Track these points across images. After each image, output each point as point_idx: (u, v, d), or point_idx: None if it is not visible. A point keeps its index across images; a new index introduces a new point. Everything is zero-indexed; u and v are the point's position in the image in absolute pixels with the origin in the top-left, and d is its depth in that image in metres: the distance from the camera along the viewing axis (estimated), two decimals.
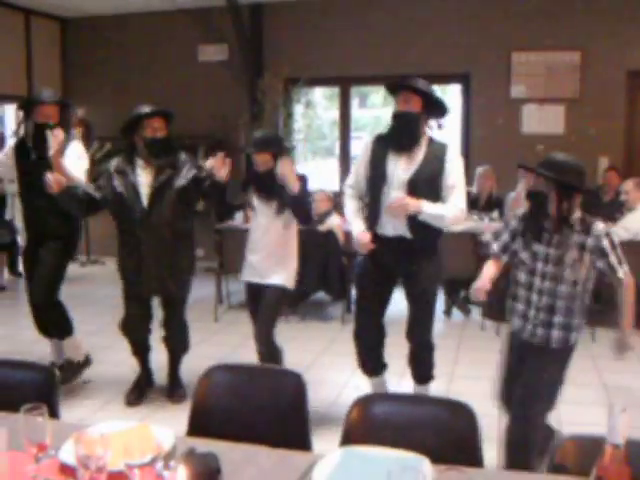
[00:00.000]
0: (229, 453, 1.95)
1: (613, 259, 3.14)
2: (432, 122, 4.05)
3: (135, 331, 4.65)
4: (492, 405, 3.57)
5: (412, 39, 8.48)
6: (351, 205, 4.15)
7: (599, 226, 3.18)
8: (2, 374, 2.54)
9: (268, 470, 1.93)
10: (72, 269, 8.99)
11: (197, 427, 2.37)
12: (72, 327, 4.97)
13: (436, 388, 4.46)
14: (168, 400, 4.70)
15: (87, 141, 9.40)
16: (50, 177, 4.19)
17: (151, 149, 4.36)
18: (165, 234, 4.39)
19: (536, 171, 3.21)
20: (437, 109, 4.02)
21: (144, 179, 4.39)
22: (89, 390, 4.92)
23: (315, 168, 11.02)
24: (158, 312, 4.71)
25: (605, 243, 3.14)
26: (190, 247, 4.65)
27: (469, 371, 5.31)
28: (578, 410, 4.50)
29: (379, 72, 8.52)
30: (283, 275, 4.32)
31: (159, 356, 4.80)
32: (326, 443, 2.37)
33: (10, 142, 4.91)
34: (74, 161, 4.62)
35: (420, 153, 3.95)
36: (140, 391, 4.76)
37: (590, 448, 1.65)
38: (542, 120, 8.32)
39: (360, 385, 4.60)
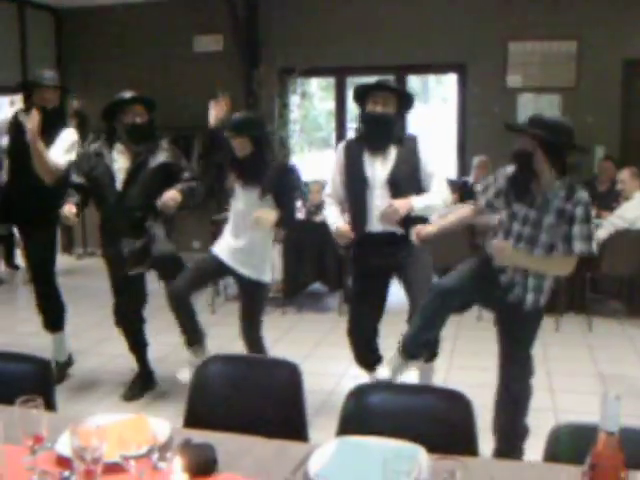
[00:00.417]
0: (225, 444, 1.95)
1: (576, 230, 3.08)
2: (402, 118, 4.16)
3: (123, 320, 4.63)
4: (491, 396, 3.59)
5: (408, 29, 8.46)
6: (331, 209, 4.16)
7: (582, 194, 3.12)
8: None
9: (264, 460, 1.93)
10: (69, 262, 9.03)
11: (194, 418, 2.37)
12: (64, 321, 4.99)
13: (434, 378, 4.46)
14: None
15: (82, 132, 9.38)
16: None
17: (130, 134, 4.34)
18: (138, 217, 4.32)
19: (523, 129, 3.19)
20: (407, 104, 4.05)
21: (121, 164, 4.37)
22: (87, 383, 4.93)
23: (311, 159, 11.00)
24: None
25: (579, 211, 3.08)
26: (168, 231, 4.49)
27: (466, 361, 5.32)
28: (574, 399, 4.53)
29: (375, 62, 8.51)
30: (268, 269, 4.31)
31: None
32: (324, 433, 2.37)
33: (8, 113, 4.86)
34: (59, 147, 4.58)
35: (393, 150, 3.97)
36: (138, 389, 4.73)
37: (585, 436, 1.65)
38: (538, 110, 8.26)
39: (358, 375, 4.60)
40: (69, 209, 4.22)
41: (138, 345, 4.74)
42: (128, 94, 4.38)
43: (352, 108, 9.33)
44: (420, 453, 1.85)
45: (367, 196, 3.97)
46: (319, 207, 6.66)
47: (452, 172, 8.54)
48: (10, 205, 4.78)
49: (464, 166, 8.40)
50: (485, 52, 8.33)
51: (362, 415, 2.21)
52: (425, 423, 2.16)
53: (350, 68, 9.04)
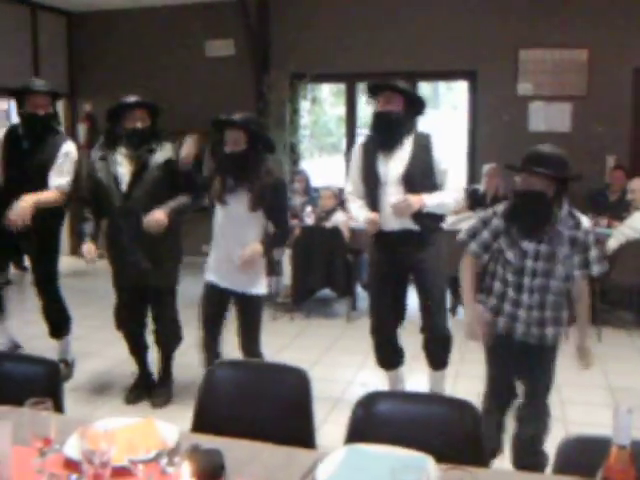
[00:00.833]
0: (233, 450, 1.95)
1: (593, 254, 3.13)
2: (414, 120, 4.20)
3: (125, 324, 4.61)
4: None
5: (419, 35, 8.45)
6: (355, 204, 4.25)
7: (583, 218, 3.18)
8: (7, 368, 2.55)
9: (272, 467, 1.92)
10: (77, 264, 9.02)
11: (201, 423, 2.37)
12: (70, 327, 5.00)
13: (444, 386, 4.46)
14: (150, 402, 4.63)
15: (93, 136, 9.42)
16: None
17: (129, 139, 4.35)
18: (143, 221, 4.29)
19: (534, 171, 3.02)
20: (418, 106, 4.13)
21: (125, 168, 4.37)
22: (94, 385, 4.93)
23: (321, 165, 11.01)
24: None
25: (590, 237, 3.14)
26: (174, 235, 4.46)
27: (474, 370, 5.27)
28: (584, 411, 4.50)
29: (386, 69, 8.49)
30: (262, 281, 4.16)
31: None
32: (331, 441, 2.37)
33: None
34: (58, 171, 4.64)
35: (408, 147, 4.05)
36: (139, 391, 4.72)
37: (596, 449, 1.64)
38: (549, 118, 8.29)
39: (366, 382, 4.60)
40: (88, 250, 4.37)
41: (138, 348, 4.72)
42: (131, 98, 4.38)
43: (363, 114, 9.35)
44: (429, 463, 1.84)
45: (381, 193, 4.06)
46: (329, 213, 6.67)
47: (462, 179, 8.52)
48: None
49: (474, 174, 8.38)
50: (496, 59, 8.31)
51: (371, 423, 2.20)
52: (434, 432, 2.15)
53: (360, 74, 9.03)
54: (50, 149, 4.62)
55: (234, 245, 4.01)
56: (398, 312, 4.30)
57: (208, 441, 1.99)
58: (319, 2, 8.78)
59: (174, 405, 4.57)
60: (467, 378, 5.09)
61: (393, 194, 4.00)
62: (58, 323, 4.96)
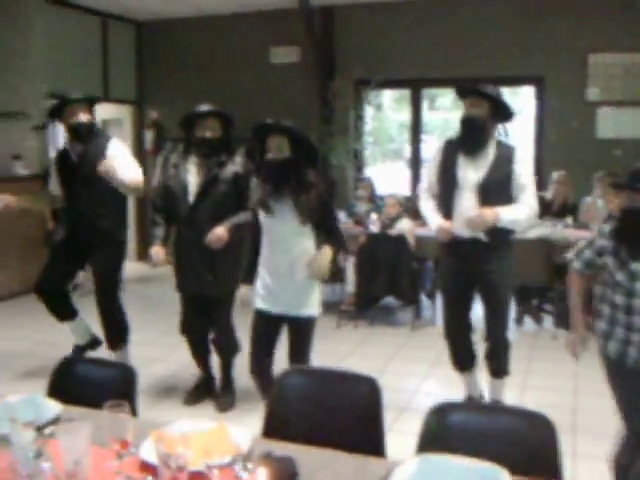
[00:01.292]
0: (305, 457, 1.95)
1: None
2: (500, 126, 4.16)
3: (189, 330, 4.67)
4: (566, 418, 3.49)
5: (484, 41, 8.36)
6: (427, 204, 4.24)
7: None
8: (85, 371, 2.62)
9: (344, 476, 1.92)
10: (143, 270, 9.20)
11: (271, 429, 2.38)
12: (127, 339, 5.05)
13: (508, 398, 4.39)
14: (214, 406, 4.69)
15: (159, 142, 9.60)
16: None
17: (199, 148, 4.40)
18: (207, 233, 4.32)
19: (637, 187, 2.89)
20: (504, 113, 4.10)
21: (195, 177, 4.41)
22: (161, 390, 5.00)
23: (384, 171, 10.99)
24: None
25: None
26: (235, 249, 4.38)
27: (541, 382, 5.20)
28: (600, 418, 4.40)
29: (450, 74, 8.44)
30: (315, 302, 3.84)
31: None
32: (397, 450, 2.36)
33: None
34: (124, 165, 4.73)
35: (490, 156, 4.04)
36: (199, 392, 4.79)
37: None
38: (619, 124, 8.10)
39: (432, 392, 4.56)
40: (156, 252, 4.48)
41: (200, 352, 4.77)
42: (204, 107, 4.42)
43: (425, 120, 9.30)
44: (503, 475, 1.81)
45: (455, 197, 4.06)
46: (394, 220, 6.64)
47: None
48: (73, 230, 4.93)
49: (540, 180, 8.23)
50: (564, 64, 8.17)
51: (442, 433, 2.18)
52: (506, 444, 2.12)
53: (425, 80, 9.01)
54: (96, 151, 4.73)
55: (287, 260, 3.75)
56: (467, 314, 4.33)
57: (279, 448, 2.00)
58: (383, 9, 8.77)
59: (239, 410, 4.60)
60: (534, 389, 5.01)
61: (468, 199, 4.01)
62: (114, 334, 5.00)
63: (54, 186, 4.98)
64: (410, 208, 6.93)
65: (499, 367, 4.33)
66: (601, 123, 8.17)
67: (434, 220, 4.15)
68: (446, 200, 4.13)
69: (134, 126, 10.24)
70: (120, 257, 5.05)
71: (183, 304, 4.67)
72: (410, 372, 5.20)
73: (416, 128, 9.20)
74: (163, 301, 7.39)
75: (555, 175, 7.22)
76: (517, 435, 2.17)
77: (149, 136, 9.95)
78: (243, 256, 4.32)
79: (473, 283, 4.23)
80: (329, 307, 7.21)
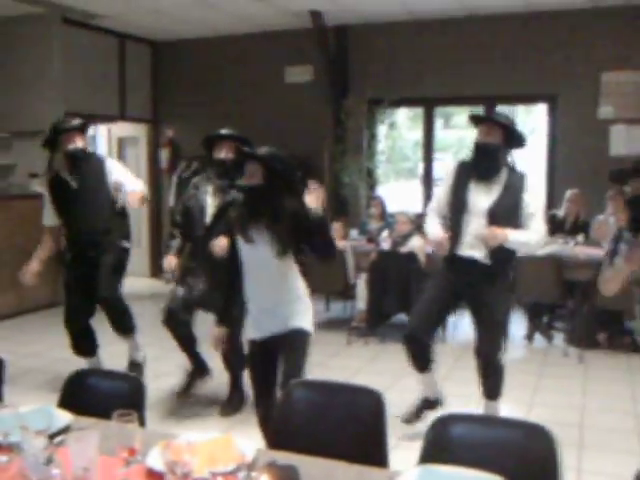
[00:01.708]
0: (308, 466, 2.00)
1: None
2: (511, 153, 4.22)
3: (168, 323, 4.81)
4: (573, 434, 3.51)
5: (497, 59, 8.44)
6: (432, 220, 4.31)
7: None
8: (93, 382, 2.68)
9: None
10: (157, 285, 9.27)
11: (278, 441, 2.42)
12: (135, 325, 5.20)
13: (515, 414, 4.41)
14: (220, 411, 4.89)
15: (175, 161, 9.71)
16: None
17: (216, 170, 4.62)
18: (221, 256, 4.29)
19: None
20: (517, 141, 4.17)
21: (212, 199, 4.61)
22: (166, 405, 5.07)
23: (397, 189, 11.03)
24: None
25: None
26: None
27: (549, 398, 5.20)
28: (607, 436, 4.42)
29: (464, 93, 8.51)
30: (307, 317, 3.57)
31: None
32: (403, 465, 2.38)
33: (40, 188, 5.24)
34: (127, 179, 4.96)
35: (500, 182, 4.12)
36: (191, 381, 5.03)
37: None
38: (631, 141, 8.11)
39: (438, 408, 4.57)
40: (169, 262, 4.70)
41: (187, 344, 4.94)
42: (222, 131, 4.65)
43: (440, 138, 9.35)
44: None
45: (464, 221, 4.13)
46: (405, 238, 6.68)
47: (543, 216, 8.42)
48: (78, 252, 5.06)
49: (552, 198, 8.26)
50: (577, 83, 8.22)
51: (444, 445, 2.22)
52: (507, 456, 2.15)
53: (438, 99, 9.07)
54: (95, 173, 4.92)
55: (270, 297, 3.50)
56: (439, 321, 4.47)
57: (284, 457, 2.05)
58: (396, 29, 8.86)
59: (246, 424, 4.63)
60: (541, 406, 5.01)
61: (475, 224, 4.08)
62: (121, 321, 5.11)
63: (49, 219, 5.09)
64: (421, 225, 6.97)
65: (490, 388, 4.34)
66: (614, 141, 8.19)
67: (433, 232, 4.23)
68: (455, 223, 4.20)
69: (150, 144, 10.38)
70: (123, 257, 5.15)
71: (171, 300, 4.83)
72: (419, 389, 5.21)
73: (428, 146, 9.25)
74: None
75: (568, 193, 7.24)
76: (518, 447, 2.19)
77: (164, 155, 10.07)
78: None
79: (460, 299, 4.32)
80: (340, 324, 7.27)
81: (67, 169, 4.95)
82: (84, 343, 5.18)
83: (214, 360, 4.90)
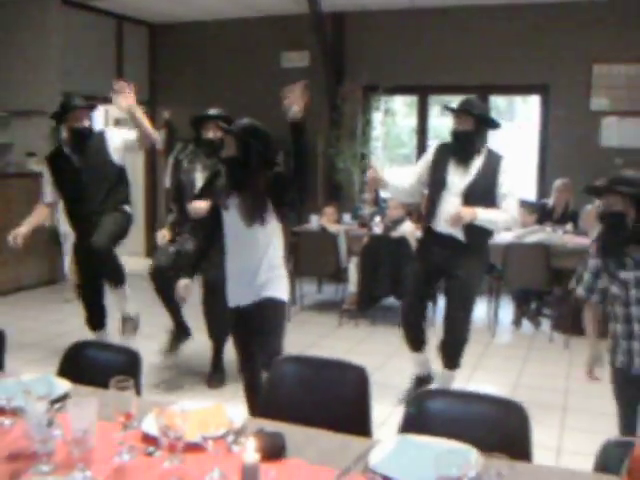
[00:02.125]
0: (294, 434, 2.12)
1: None
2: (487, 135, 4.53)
3: (154, 279, 5.04)
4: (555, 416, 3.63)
5: (491, 49, 8.52)
6: (396, 169, 4.64)
7: None
8: (91, 354, 2.80)
9: (329, 450, 2.08)
10: None
11: (266, 411, 2.54)
12: (125, 277, 5.30)
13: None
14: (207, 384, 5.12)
15: (171, 142, 9.77)
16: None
17: (205, 149, 4.93)
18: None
19: (615, 189, 2.98)
20: (490, 124, 4.50)
21: (201, 174, 4.91)
22: (160, 380, 5.22)
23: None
24: None
25: None
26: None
27: (533, 381, 5.34)
28: (588, 417, 4.61)
29: (458, 82, 8.59)
30: (282, 286, 3.69)
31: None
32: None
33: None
34: (123, 132, 5.22)
35: (478, 164, 4.40)
36: (176, 341, 5.24)
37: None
38: (622, 133, 8.22)
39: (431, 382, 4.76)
40: (162, 235, 5.07)
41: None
42: (211, 111, 4.94)
43: (434, 126, 9.44)
44: (472, 453, 1.96)
45: (441, 199, 4.42)
46: (396, 223, 6.79)
47: (531, 193, 8.53)
48: (82, 230, 5.15)
49: (544, 188, 8.38)
50: (569, 74, 8.31)
51: (423, 418, 2.35)
52: (482, 429, 2.27)
53: (432, 87, 9.15)
54: (97, 149, 5.03)
55: (246, 265, 3.62)
56: (425, 301, 4.78)
57: (271, 425, 2.18)
58: (393, 16, 8.93)
59: (237, 397, 4.76)
60: (525, 388, 5.15)
61: (450, 203, 4.35)
62: (113, 273, 5.21)
63: (49, 197, 5.18)
64: (413, 211, 7.08)
65: (453, 360, 4.64)
66: (605, 132, 8.29)
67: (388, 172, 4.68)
68: (432, 201, 4.49)
69: None
70: (123, 219, 5.19)
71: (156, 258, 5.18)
72: (408, 369, 5.33)
73: (422, 134, 9.35)
74: None
75: (557, 182, 7.35)
76: (492, 421, 2.32)
77: (161, 136, 10.11)
78: None
79: (441, 277, 4.62)
80: (331, 306, 7.39)
81: (70, 146, 5.04)
82: (93, 317, 5.37)
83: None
